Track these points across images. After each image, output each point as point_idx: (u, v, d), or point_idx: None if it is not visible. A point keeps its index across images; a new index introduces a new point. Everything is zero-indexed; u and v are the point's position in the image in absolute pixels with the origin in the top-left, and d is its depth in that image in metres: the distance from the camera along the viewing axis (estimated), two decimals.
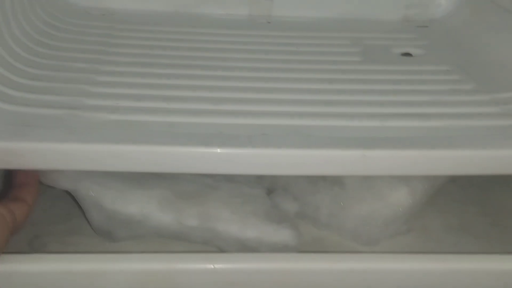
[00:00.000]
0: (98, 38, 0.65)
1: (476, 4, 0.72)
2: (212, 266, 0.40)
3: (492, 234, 0.55)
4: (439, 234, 0.55)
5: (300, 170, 0.46)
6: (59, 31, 0.65)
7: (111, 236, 0.49)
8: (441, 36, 0.71)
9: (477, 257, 0.46)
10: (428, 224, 0.56)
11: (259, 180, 0.54)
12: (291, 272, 0.41)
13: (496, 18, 0.68)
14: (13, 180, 0.49)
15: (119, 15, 0.72)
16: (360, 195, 0.51)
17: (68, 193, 0.50)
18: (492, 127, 0.50)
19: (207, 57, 0.62)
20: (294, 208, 0.52)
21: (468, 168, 0.47)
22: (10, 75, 0.52)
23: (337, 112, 0.51)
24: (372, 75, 0.59)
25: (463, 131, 0.49)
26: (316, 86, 0.56)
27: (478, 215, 0.58)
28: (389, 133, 0.48)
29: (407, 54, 0.66)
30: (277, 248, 0.47)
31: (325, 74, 0.59)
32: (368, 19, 0.76)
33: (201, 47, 0.65)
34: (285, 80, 0.57)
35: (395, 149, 0.45)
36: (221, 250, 0.48)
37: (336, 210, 0.52)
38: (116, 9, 0.74)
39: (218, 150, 0.44)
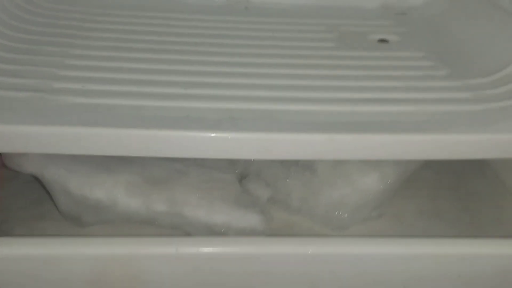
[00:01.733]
0: (72, 22, 0.64)
1: None
2: (175, 250, 0.40)
3: (464, 219, 0.56)
4: (411, 219, 0.55)
5: (268, 154, 0.45)
6: (33, 15, 0.64)
7: (79, 221, 0.49)
8: (418, 24, 0.71)
9: (444, 240, 0.46)
10: (401, 209, 0.56)
11: (231, 165, 0.54)
12: (255, 256, 0.41)
13: (473, 7, 0.68)
14: None
15: (95, 0, 0.71)
16: (331, 180, 0.51)
17: (36, 179, 0.50)
18: (463, 112, 0.50)
19: (181, 42, 0.61)
20: (266, 193, 0.52)
21: (438, 152, 0.47)
22: None
23: (308, 97, 0.51)
24: (346, 61, 0.59)
25: (435, 116, 0.49)
26: (289, 71, 0.56)
27: (450, 201, 0.58)
28: (359, 117, 0.48)
29: (383, 41, 0.66)
30: (245, 233, 0.47)
31: (298, 60, 0.59)
32: (347, 6, 0.75)
33: (176, 32, 0.64)
34: (258, 65, 0.57)
35: (364, 133, 0.45)
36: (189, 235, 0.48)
37: (307, 195, 0.52)
38: None
39: (184, 133, 0.44)
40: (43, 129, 0.43)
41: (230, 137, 0.44)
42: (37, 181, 0.55)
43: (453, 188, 0.60)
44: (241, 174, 0.54)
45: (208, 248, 0.41)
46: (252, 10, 0.73)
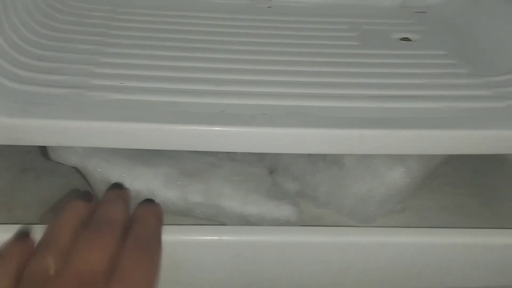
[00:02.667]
0: (101, 20, 0.66)
1: None
2: (218, 238, 0.42)
3: (484, 214, 0.57)
4: (433, 214, 0.57)
5: (300, 149, 0.47)
6: (61, 13, 0.66)
7: None
8: (438, 22, 0.73)
9: (468, 231, 0.48)
10: (423, 204, 0.58)
11: (260, 160, 0.56)
12: (293, 245, 0.43)
13: (492, 4, 0.69)
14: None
15: None
16: (358, 174, 0.53)
17: (76, 170, 0.52)
18: (485, 108, 0.52)
19: (208, 40, 0.63)
20: (294, 187, 0.54)
21: (461, 147, 0.48)
22: (16, 54, 0.53)
23: (336, 93, 0.53)
24: (371, 59, 0.61)
25: (458, 112, 0.51)
26: (316, 68, 0.58)
27: (470, 196, 0.59)
28: (386, 114, 0.50)
29: (406, 39, 0.67)
30: (279, 224, 0.49)
31: (324, 58, 0.60)
32: (366, 5, 0.77)
33: (202, 30, 0.66)
34: (285, 63, 0.58)
35: (392, 129, 0.47)
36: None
37: (334, 189, 0.54)
38: None
39: (221, 129, 0.46)
40: (87, 124, 0.45)
41: (264, 132, 0.46)
42: (72, 175, 0.57)
43: (473, 184, 0.61)
44: (270, 168, 0.56)
45: (249, 237, 0.42)
46: (275, 9, 0.74)
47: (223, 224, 0.49)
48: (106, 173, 0.49)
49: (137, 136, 0.45)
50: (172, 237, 0.42)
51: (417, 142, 0.48)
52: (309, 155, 0.56)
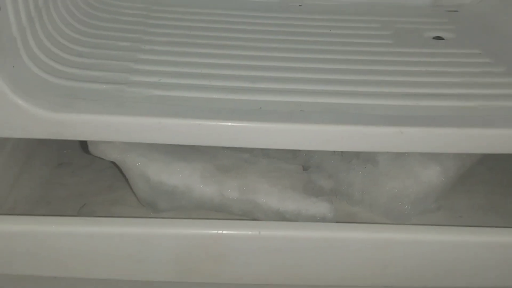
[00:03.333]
0: (136, 18, 0.67)
1: None
2: (258, 233, 0.42)
3: None
4: (468, 213, 0.56)
5: (336, 146, 0.47)
6: (97, 10, 0.67)
7: (155, 206, 0.52)
8: (471, 21, 0.72)
9: (504, 230, 0.47)
10: (458, 204, 0.57)
11: (294, 157, 0.56)
12: (330, 240, 0.43)
13: None
14: None
15: None
16: (392, 172, 0.53)
17: (114, 164, 0.53)
18: None
19: (242, 38, 0.64)
20: (329, 184, 0.54)
21: (498, 146, 0.48)
22: (58, 51, 0.54)
23: (372, 91, 0.53)
24: (405, 57, 0.61)
25: (494, 111, 0.51)
26: (351, 67, 0.58)
27: (505, 196, 0.59)
28: (423, 112, 0.50)
29: (439, 38, 0.67)
30: (315, 220, 0.49)
31: (358, 56, 0.60)
32: (398, 4, 0.77)
33: (236, 28, 0.66)
34: (318, 61, 0.59)
35: (431, 127, 0.47)
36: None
37: (368, 186, 0.54)
38: None
39: (259, 125, 0.46)
40: (128, 119, 0.46)
41: (302, 128, 0.46)
42: (108, 169, 0.58)
43: (507, 184, 0.61)
44: (304, 165, 0.56)
45: (288, 232, 0.43)
46: (306, 8, 0.74)
47: (258, 220, 0.50)
48: (144, 168, 0.49)
49: (177, 131, 0.46)
50: (213, 231, 0.42)
51: (453, 140, 0.47)
52: (343, 152, 0.56)
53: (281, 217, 0.49)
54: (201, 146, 0.51)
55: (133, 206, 0.54)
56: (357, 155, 0.55)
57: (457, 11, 0.75)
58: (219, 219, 0.44)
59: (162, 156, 0.50)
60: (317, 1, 0.75)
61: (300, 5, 0.75)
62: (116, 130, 0.46)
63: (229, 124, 0.46)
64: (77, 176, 0.58)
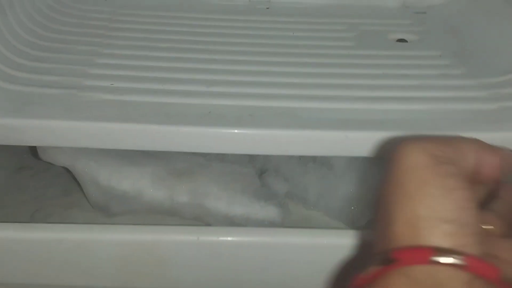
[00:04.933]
0: (100, 22, 0.67)
1: None
2: (196, 238, 0.42)
3: None
4: None
5: (285, 150, 0.47)
6: (62, 15, 0.68)
7: (107, 210, 0.52)
8: (437, 23, 0.72)
9: None
10: None
11: (251, 160, 0.56)
12: (271, 246, 0.43)
13: (491, 6, 0.68)
14: None
15: (120, 0, 0.74)
16: (346, 176, 0.53)
17: (67, 169, 0.53)
18: (478, 111, 0.51)
19: (205, 42, 0.64)
20: (284, 188, 0.54)
21: None
22: (12, 56, 0.54)
23: (325, 95, 0.53)
24: (364, 60, 0.61)
25: (449, 114, 0.50)
26: (308, 70, 0.58)
27: None
28: (374, 115, 0.50)
29: (402, 40, 0.67)
30: (264, 225, 0.49)
31: (317, 58, 0.60)
32: (366, 5, 0.77)
33: (200, 31, 0.67)
34: (278, 64, 0.59)
35: (378, 131, 0.47)
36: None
37: (323, 190, 0.54)
38: None
39: (207, 130, 0.46)
40: (76, 124, 0.46)
41: (250, 133, 0.46)
42: (66, 173, 0.58)
43: None
44: (261, 169, 0.56)
45: (226, 237, 0.43)
46: (273, 10, 0.75)
47: (209, 225, 0.50)
48: (94, 173, 0.50)
49: (124, 136, 0.46)
50: (153, 237, 0.43)
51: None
52: (300, 156, 0.56)
53: (230, 221, 0.49)
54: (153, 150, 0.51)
55: (88, 210, 0.54)
56: (313, 158, 0.56)
57: (425, 12, 0.75)
58: (160, 224, 0.45)
59: (113, 160, 0.50)
60: (284, 3, 0.76)
61: (267, 8, 0.75)
62: (63, 136, 0.46)
63: (176, 128, 0.46)
64: (35, 180, 0.58)
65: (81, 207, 0.55)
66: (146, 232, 0.43)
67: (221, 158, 0.55)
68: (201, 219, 0.51)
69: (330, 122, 0.48)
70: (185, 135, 0.46)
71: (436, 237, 0.27)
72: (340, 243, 0.44)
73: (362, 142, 0.46)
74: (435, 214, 0.28)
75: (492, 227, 0.31)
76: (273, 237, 0.44)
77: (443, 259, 0.26)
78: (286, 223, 0.50)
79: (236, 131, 0.46)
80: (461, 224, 0.27)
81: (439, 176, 0.29)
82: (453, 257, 0.26)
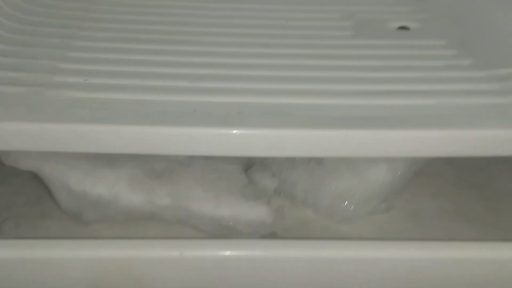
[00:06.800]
0: (74, 12, 0.62)
1: None
2: (179, 254, 0.37)
3: (489, 219, 0.52)
4: (430, 218, 0.51)
5: (277, 152, 0.42)
6: (34, 4, 0.62)
7: (81, 218, 0.47)
8: (440, 9, 0.67)
9: (467, 244, 0.43)
10: (419, 207, 0.52)
11: (236, 156, 0.51)
12: (261, 259, 0.39)
13: None
14: None
15: None
16: (337, 171, 0.49)
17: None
18: (489, 105, 0.47)
19: (188, 32, 0.59)
20: (272, 184, 0.50)
21: (460, 149, 0.43)
22: None
23: (322, 89, 0.48)
24: (364, 50, 0.56)
25: (457, 109, 0.46)
26: (303, 62, 0.53)
27: (474, 199, 0.54)
28: (377, 112, 0.45)
29: (404, 28, 0.62)
30: (254, 226, 0.45)
31: (312, 50, 0.55)
32: None
33: (181, 21, 0.62)
34: (269, 56, 0.54)
35: (382, 129, 0.42)
36: (197, 229, 0.46)
37: (312, 186, 0.49)
38: None
39: (191, 130, 0.41)
40: (41, 127, 0.40)
41: (238, 133, 0.41)
42: (38, 179, 0.53)
43: (477, 186, 0.56)
44: (246, 164, 0.51)
45: (215, 252, 0.38)
46: None
47: (195, 228, 0.45)
48: (64, 177, 0.45)
49: (95, 139, 0.41)
50: (129, 252, 0.38)
51: (409, 144, 0.42)
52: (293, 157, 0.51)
53: (217, 224, 0.45)
54: None
55: (61, 219, 0.49)
56: None
57: None
58: (136, 238, 0.39)
59: (85, 162, 0.45)
60: None
61: None
62: (27, 139, 0.41)
63: (156, 129, 0.41)
64: (4, 186, 0.53)
65: (53, 215, 0.50)
66: (120, 247, 0.38)
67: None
68: (186, 222, 0.46)
69: (328, 120, 0.43)
70: (167, 137, 0.41)
71: None
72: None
73: (365, 142, 0.41)
74: None
75: None
76: (271, 250, 0.39)
77: None
78: (277, 223, 0.46)
79: (223, 131, 0.41)
80: None
81: None
82: None
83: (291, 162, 0.50)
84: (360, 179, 0.48)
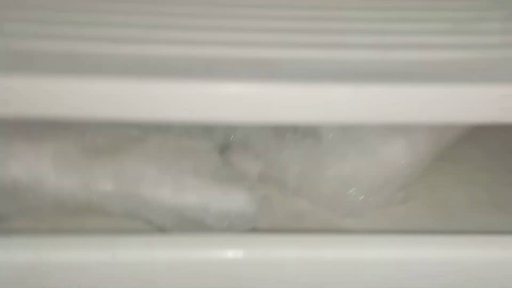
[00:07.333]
0: None
1: None
2: (111, 256, 0.26)
3: None
4: (460, 209, 0.45)
5: (260, 116, 0.32)
6: None
7: None
8: None
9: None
10: (447, 197, 0.46)
11: (207, 131, 0.42)
12: (236, 259, 0.28)
13: None
14: None
15: None
16: (340, 150, 0.41)
17: None
18: None
19: None
20: (255, 168, 0.42)
21: (492, 113, 0.34)
22: None
23: (322, 41, 0.38)
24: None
25: (488, 64, 0.39)
26: (297, 12, 0.43)
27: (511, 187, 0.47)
28: (392, 67, 0.36)
29: None
30: (231, 218, 0.37)
31: None
32: None
33: None
34: (248, 5, 0.43)
35: (406, 84, 0.32)
36: (152, 224, 0.37)
37: (308, 170, 0.42)
38: None
39: (139, 85, 0.30)
40: None
41: (204, 90, 0.30)
42: None
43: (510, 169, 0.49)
44: (222, 144, 0.43)
45: (164, 251, 0.27)
46: None
47: (150, 222, 0.36)
48: None
49: (11, 97, 0.30)
50: (40, 255, 0.26)
51: (432, 104, 0.33)
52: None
53: (180, 216, 0.36)
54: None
55: None
56: (294, 127, 0.43)
57: None
58: (53, 235, 0.28)
59: None
60: None
61: None
62: None
63: (90, 84, 0.30)
64: None
65: None
66: (28, 248, 0.26)
67: (164, 129, 0.40)
68: (136, 215, 0.37)
69: (329, 74, 0.33)
70: (106, 94, 0.30)
71: None
72: None
73: (378, 100, 0.30)
74: None
75: None
76: (251, 248, 0.28)
77: None
78: (262, 216, 0.37)
79: (184, 85, 0.30)
80: None
81: None
82: None
83: (280, 141, 0.43)
84: (370, 161, 0.41)
